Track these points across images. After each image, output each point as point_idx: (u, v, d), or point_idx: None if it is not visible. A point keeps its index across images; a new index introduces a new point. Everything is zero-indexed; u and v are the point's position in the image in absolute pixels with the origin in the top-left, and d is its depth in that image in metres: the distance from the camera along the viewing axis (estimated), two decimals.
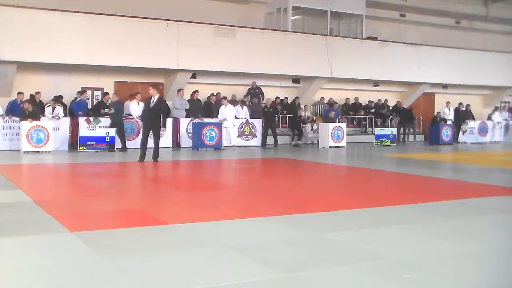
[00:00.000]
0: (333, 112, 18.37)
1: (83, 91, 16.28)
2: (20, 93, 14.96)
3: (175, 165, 12.49)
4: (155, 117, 11.84)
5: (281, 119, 19.15)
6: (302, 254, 4.35)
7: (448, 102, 21.13)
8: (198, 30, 17.14)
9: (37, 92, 15.24)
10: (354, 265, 4.03)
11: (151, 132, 11.95)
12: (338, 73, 19.52)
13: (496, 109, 22.61)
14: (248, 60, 17.81)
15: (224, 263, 4.09)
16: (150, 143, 12.13)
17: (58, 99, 15.13)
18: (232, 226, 5.40)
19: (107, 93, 16.08)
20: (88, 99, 16.81)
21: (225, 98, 16.80)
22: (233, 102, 17.47)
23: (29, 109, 13.77)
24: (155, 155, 11.93)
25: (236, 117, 16.65)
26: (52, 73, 16.25)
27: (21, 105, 14.33)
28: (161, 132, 12.36)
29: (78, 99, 15.77)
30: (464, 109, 21.69)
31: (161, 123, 11.90)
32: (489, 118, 22.16)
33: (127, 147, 14.72)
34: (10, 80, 15.39)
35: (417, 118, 21.78)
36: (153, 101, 11.88)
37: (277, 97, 18.83)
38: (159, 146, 12.22)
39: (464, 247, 4.68)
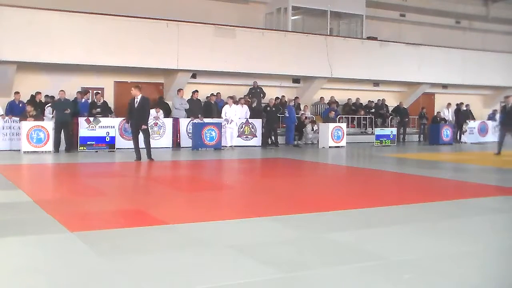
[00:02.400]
0: (333, 112, 18.37)
1: (85, 92, 16.29)
2: (16, 93, 14.97)
3: (175, 165, 12.48)
4: (140, 117, 11.87)
5: (281, 119, 19.13)
6: (302, 254, 4.34)
7: (449, 104, 21.10)
8: (198, 30, 17.15)
9: (38, 93, 15.24)
10: (354, 265, 4.03)
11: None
12: (338, 73, 19.54)
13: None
14: (248, 60, 17.82)
15: (224, 263, 4.09)
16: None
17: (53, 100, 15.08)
18: (232, 226, 5.39)
19: (98, 93, 16.12)
20: (89, 99, 16.79)
21: (231, 97, 16.68)
22: (234, 101, 17.41)
23: (31, 112, 13.80)
24: (149, 154, 11.95)
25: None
26: (52, 73, 16.25)
27: (22, 106, 14.31)
28: (149, 129, 12.32)
29: (79, 99, 15.74)
30: (464, 109, 21.69)
31: (143, 122, 11.87)
32: (490, 118, 22.16)
33: (127, 148, 14.68)
34: (10, 80, 15.40)
35: (411, 117, 21.84)
36: (136, 101, 11.90)
37: (277, 97, 18.83)
38: (151, 146, 12.23)
39: (464, 247, 4.68)
